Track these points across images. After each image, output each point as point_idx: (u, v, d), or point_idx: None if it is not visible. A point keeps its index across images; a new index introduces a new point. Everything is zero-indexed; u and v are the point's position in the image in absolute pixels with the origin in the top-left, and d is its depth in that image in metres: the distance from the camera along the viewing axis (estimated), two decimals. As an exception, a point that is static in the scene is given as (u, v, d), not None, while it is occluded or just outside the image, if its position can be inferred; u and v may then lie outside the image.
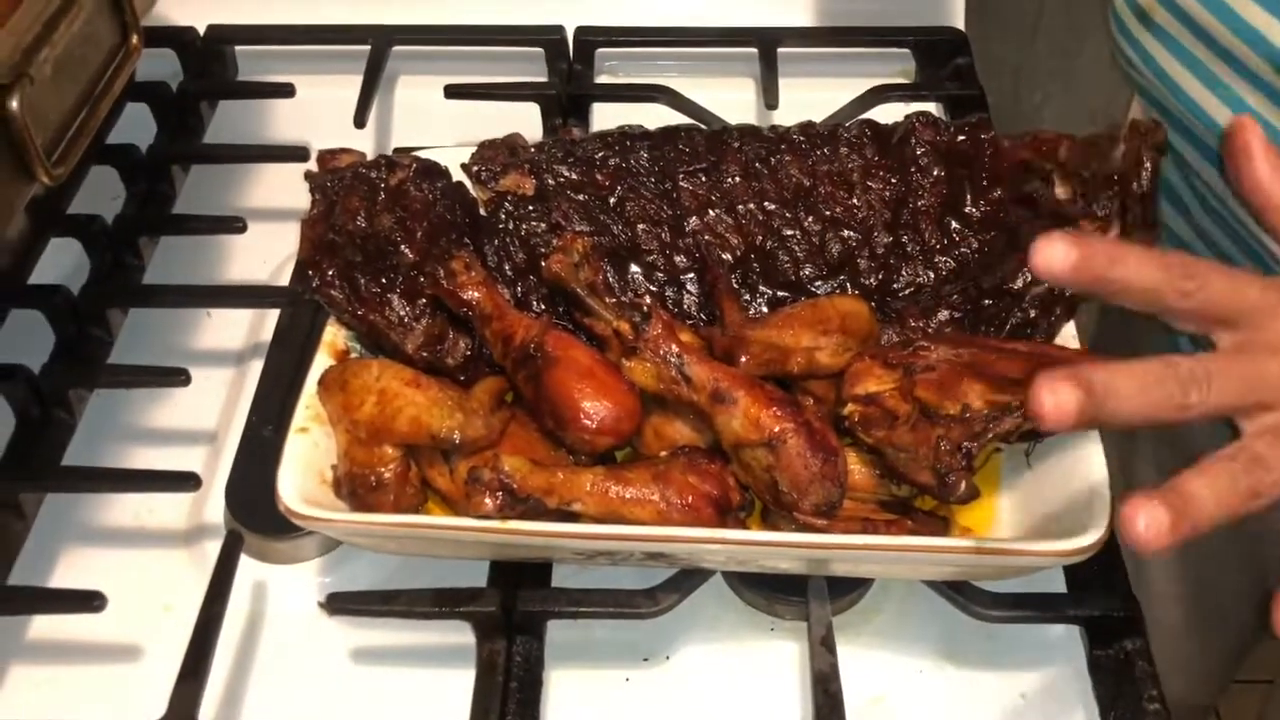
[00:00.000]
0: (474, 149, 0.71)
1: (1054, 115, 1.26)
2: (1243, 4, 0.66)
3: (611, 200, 0.69)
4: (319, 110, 0.91)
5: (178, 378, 0.71)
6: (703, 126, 0.74)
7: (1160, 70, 0.72)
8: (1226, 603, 1.08)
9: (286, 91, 0.91)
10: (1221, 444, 0.92)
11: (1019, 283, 0.65)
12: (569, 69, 0.96)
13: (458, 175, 0.71)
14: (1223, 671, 1.16)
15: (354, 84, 0.91)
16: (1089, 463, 0.60)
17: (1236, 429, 0.48)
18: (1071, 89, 1.25)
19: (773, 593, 0.64)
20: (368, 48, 0.94)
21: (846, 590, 0.63)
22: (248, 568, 0.66)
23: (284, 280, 0.81)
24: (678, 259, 0.69)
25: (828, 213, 0.69)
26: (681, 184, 0.70)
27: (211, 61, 0.97)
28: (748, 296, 0.68)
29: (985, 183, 0.69)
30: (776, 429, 0.57)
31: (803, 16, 1.01)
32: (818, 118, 0.75)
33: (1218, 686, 1.19)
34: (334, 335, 0.67)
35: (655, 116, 0.81)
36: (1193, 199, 0.81)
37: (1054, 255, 0.46)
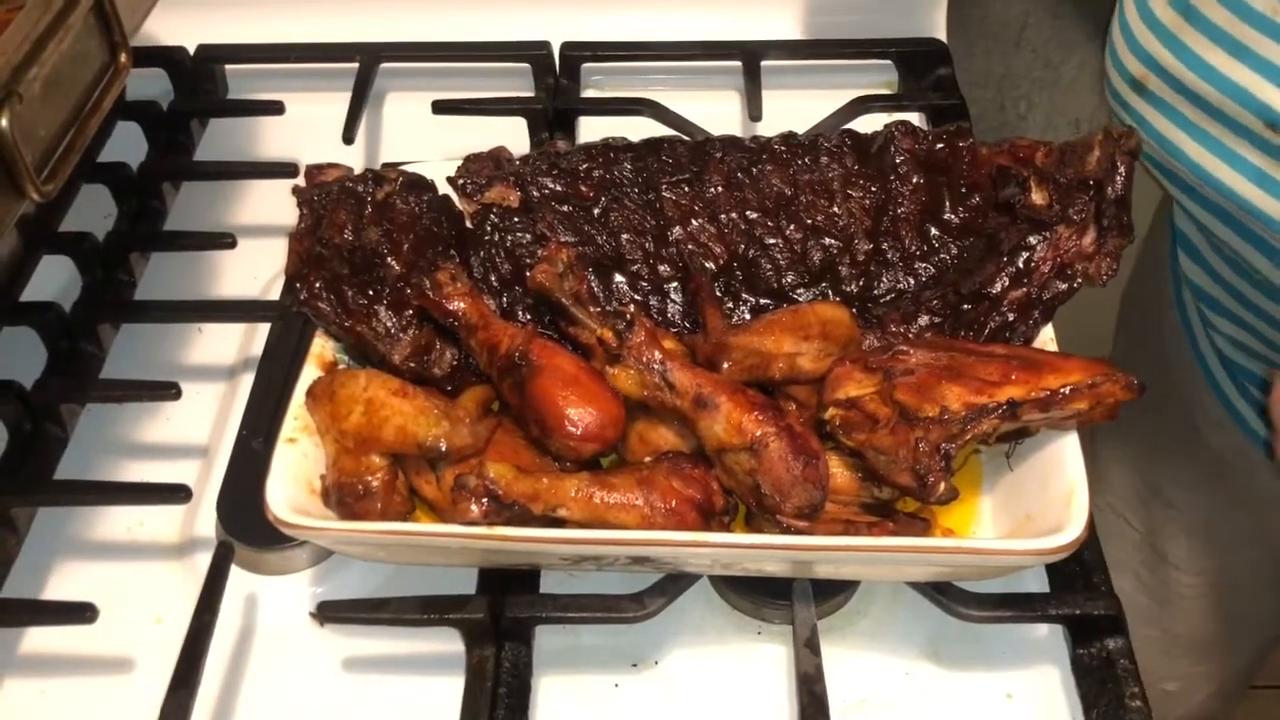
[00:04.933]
0: (460, 162, 0.72)
1: (1038, 124, 1.27)
2: (1230, 65, 0.67)
3: (596, 211, 0.70)
4: (308, 127, 0.92)
5: (169, 392, 0.72)
6: (685, 138, 0.74)
7: (1159, 136, 0.73)
8: (1252, 622, 1.09)
9: (276, 109, 0.92)
10: (1244, 452, 0.92)
11: (997, 287, 0.66)
12: (555, 83, 0.97)
13: (444, 188, 0.71)
14: (1237, 687, 1.17)
15: (343, 101, 0.92)
16: (1067, 463, 0.60)
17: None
18: (1056, 98, 1.26)
19: (759, 597, 0.64)
20: (356, 65, 0.96)
21: (832, 593, 0.64)
22: (239, 579, 0.66)
23: (274, 295, 0.82)
24: (661, 268, 0.69)
25: (809, 221, 0.70)
26: (665, 194, 0.71)
27: (202, 80, 0.98)
28: (731, 304, 0.69)
29: (964, 190, 0.69)
30: (758, 433, 0.58)
31: (786, 29, 1.02)
32: (801, 129, 0.76)
33: (1234, 701, 1.20)
34: (322, 347, 0.68)
35: (641, 129, 0.82)
36: (1210, 250, 0.82)
37: None
